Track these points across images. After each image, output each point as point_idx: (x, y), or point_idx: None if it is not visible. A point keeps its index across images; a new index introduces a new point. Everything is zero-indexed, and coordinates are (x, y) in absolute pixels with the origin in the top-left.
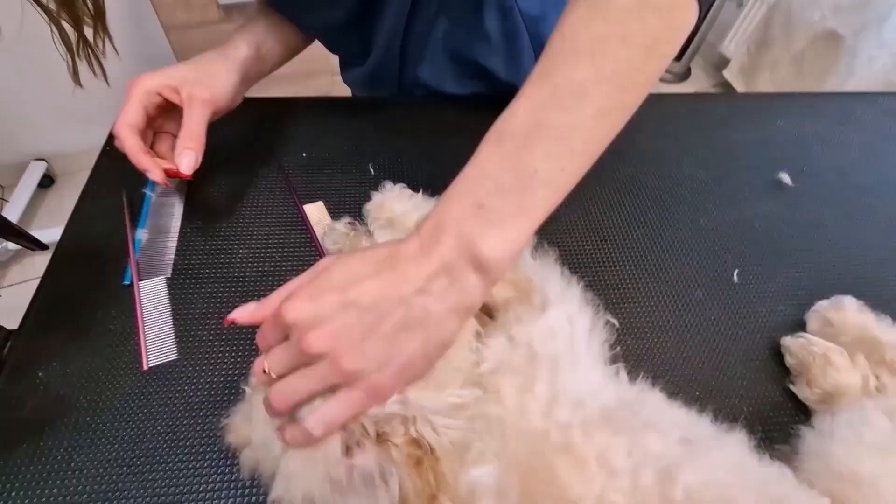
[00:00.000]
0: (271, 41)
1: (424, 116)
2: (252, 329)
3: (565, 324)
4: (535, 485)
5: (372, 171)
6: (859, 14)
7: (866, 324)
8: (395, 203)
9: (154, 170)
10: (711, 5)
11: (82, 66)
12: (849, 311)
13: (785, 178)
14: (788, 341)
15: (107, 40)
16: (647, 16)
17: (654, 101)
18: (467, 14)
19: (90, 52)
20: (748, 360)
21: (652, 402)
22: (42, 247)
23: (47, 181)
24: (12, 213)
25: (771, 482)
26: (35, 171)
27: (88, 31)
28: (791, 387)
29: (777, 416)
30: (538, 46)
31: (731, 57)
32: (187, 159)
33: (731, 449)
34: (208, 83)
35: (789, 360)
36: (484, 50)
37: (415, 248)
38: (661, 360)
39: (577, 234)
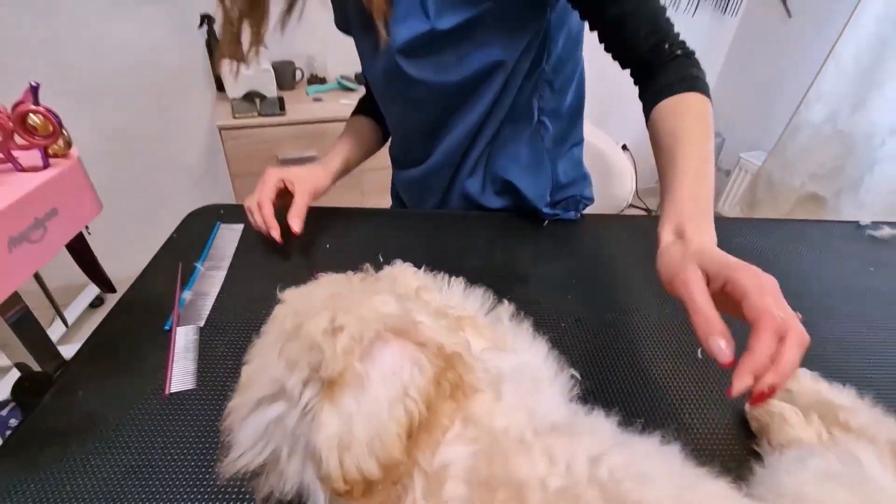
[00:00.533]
0: (356, 154)
1: (429, 223)
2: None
3: (532, 363)
4: (494, 467)
5: (381, 259)
6: (835, 179)
7: (820, 389)
8: (404, 276)
9: (276, 230)
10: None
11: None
12: (804, 380)
13: None
14: (747, 406)
15: None
16: (699, 105)
17: (638, 222)
18: (510, 143)
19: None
20: (714, 426)
21: (599, 422)
22: (111, 290)
23: (97, 301)
24: (58, 330)
25: (687, 471)
26: (89, 293)
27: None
28: (756, 447)
29: (740, 471)
30: (555, 173)
31: (727, 216)
32: (297, 224)
33: (655, 445)
34: (312, 181)
35: (752, 424)
36: (518, 172)
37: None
38: (627, 423)
39: (554, 315)
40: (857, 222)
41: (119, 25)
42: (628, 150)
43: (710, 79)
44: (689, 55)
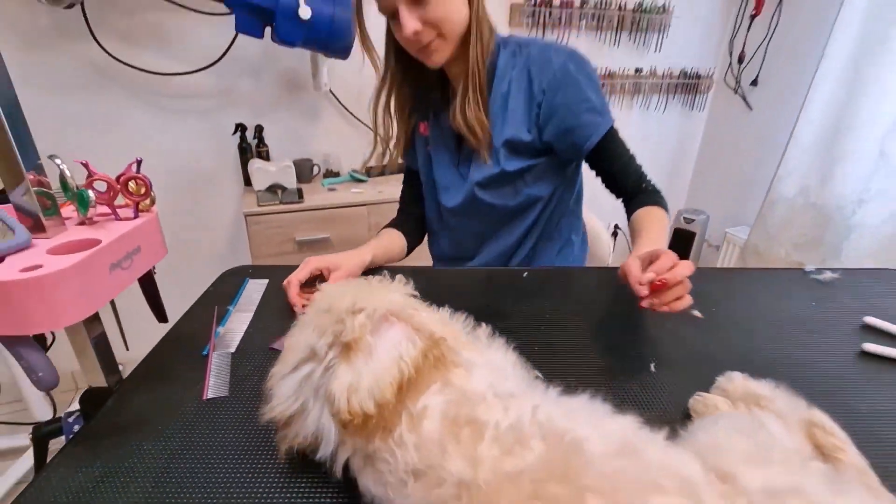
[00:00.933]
0: (382, 256)
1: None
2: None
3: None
4: (461, 411)
5: None
6: (816, 248)
7: (748, 384)
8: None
9: (298, 307)
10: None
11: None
12: (737, 380)
13: (696, 312)
14: (689, 401)
15: None
16: (659, 212)
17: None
18: (545, 255)
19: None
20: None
21: (546, 390)
22: (164, 320)
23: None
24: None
25: (607, 413)
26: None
27: None
28: None
29: None
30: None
31: None
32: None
33: (585, 400)
34: (346, 268)
35: (693, 416)
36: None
37: None
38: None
39: (527, 331)
40: (803, 269)
41: (169, 136)
42: (620, 229)
43: (688, 164)
44: (654, 189)
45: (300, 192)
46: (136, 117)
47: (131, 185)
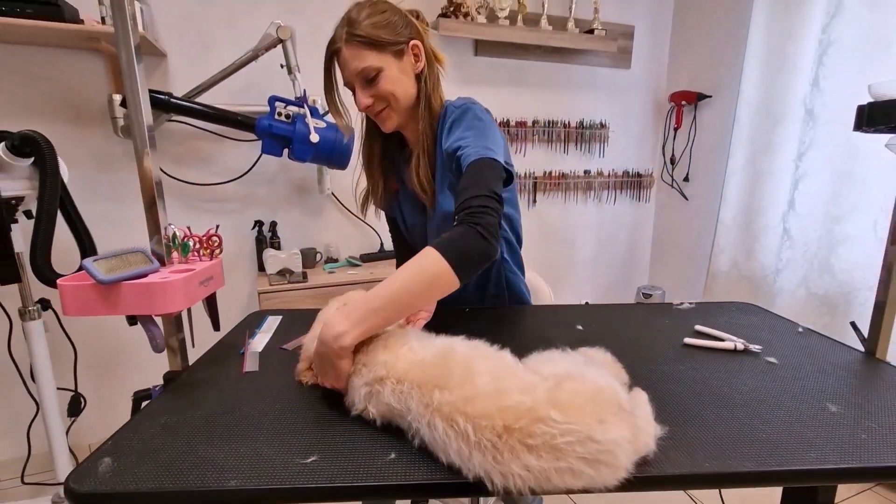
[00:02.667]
0: None
1: None
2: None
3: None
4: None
5: None
6: None
7: (586, 349)
8: None
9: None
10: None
11: None
12: (585, 348)
13: (579, 326)
14: None
15: None
16: (437, 272)
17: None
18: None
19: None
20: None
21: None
22: (217, 329)
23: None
24: None
25: (482, 343)
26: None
27: None
28: None
29: None
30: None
31: None
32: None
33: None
34: None
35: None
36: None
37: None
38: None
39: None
40: (671, 303)
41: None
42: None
43: (646, 247)
44: (462, 220)
45: (305, 275)
46: (179, 216)
47: (213, 240)
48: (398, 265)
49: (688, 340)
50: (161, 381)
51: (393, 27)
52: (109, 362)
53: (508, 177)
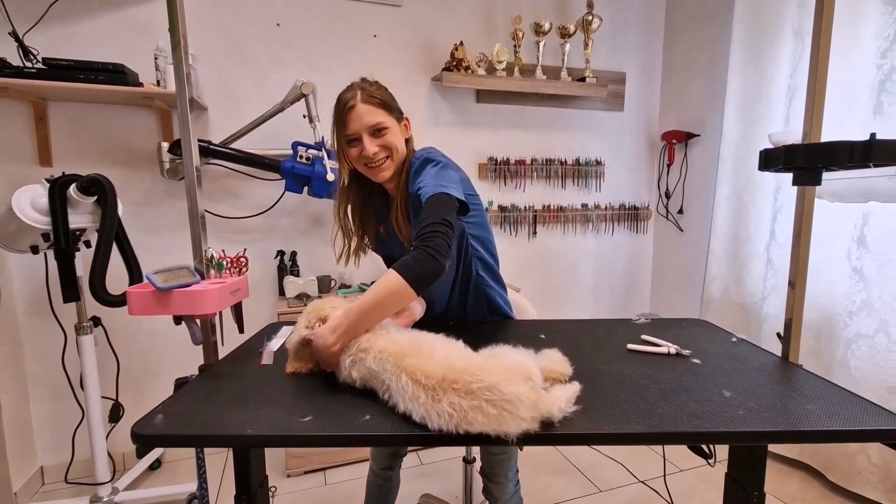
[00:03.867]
0: None
1: None
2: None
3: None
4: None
5: None
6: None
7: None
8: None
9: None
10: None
11: None
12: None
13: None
14: None
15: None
16: (389, 291)
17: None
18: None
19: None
20: None
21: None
22: (242, 332)
23: (156, 464)
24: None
25: (450, 339)
26: (152, 456)
27: None
28: None
29: None
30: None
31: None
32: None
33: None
34: None
35: None
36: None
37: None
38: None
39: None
40: (630, 319)
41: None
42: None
43: (646, 276)
44: (423, 246)
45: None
46: (212, 245)
47: (241, 260)
48: None
49: (630, 346)
50: (196, 373)
51: (393, 100)
52: (145, 375)
53: (463, 206)
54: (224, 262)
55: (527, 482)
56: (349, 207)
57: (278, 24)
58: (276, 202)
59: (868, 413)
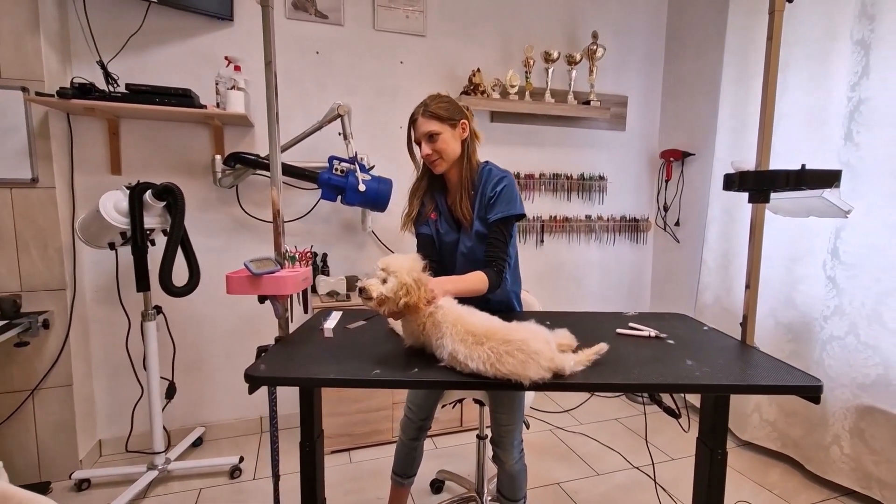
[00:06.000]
0: None
1: None
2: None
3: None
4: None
5: None
6: None
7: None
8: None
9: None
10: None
11: None
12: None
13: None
14: None
15: None
16: (475, 284)
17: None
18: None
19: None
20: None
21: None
22: (306, 311)
23: (199, 441)
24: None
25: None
26: (195, 434)
27: None
28: None
29: None
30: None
31: None
32: None
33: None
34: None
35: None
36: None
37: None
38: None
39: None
40: (622, 312)
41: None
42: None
43: (646, 284)
44: (496, 269)
45: (348, 296)
46: (252, 247)
47: (307, 255)
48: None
49: (619, 330)
50: (273, 343)
51: (450, 111)
52: (195, 360)
53: (519, 216)
54: (296, 256)
55: (532, 465)
56: (416, 189)
57: (317, 52)
58: (311, 209)
59: (794, 377)
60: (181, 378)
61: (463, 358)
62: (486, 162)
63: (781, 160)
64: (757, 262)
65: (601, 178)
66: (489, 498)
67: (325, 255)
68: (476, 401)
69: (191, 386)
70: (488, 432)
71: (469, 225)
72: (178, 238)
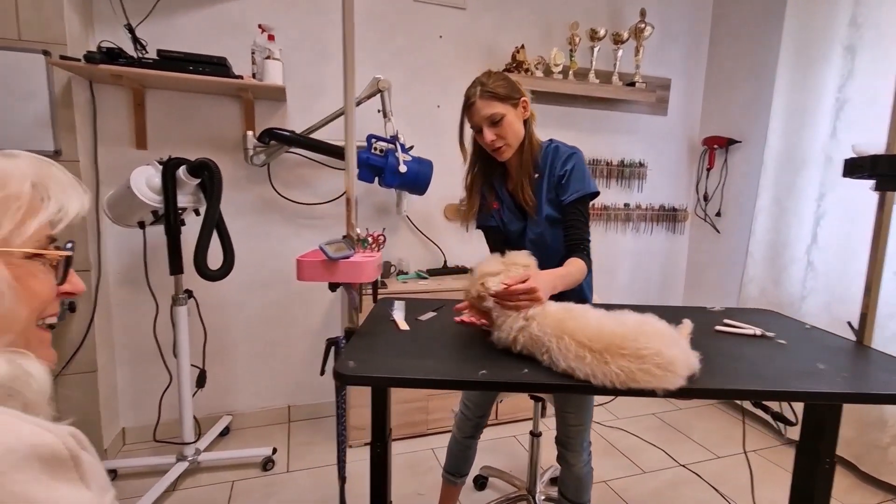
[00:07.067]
0: None
1: None
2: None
3: None
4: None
5: None
6: None
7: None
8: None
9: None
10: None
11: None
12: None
13: None
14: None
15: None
16: (577, 274)
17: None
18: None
19: None
20: None
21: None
22: (375, 301)
23: (226, 431)
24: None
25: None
26: (222, 423)
27: None
28: None
29: None
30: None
31: None
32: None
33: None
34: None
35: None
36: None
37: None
38: None
39: None
40: (705, 307)
41: (299, 241)
42: None
43: (680, 275)
44: (585, 251)
45: (384, 283)
46: (280, 230)
47: (380, 238)
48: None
49: (717, 328)
50: (341, 334)
51: (509, 88)
52: (223, 347)
53: (594, 194)
54: (369, 240)
55: None
56: (472, 181)
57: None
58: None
59: None
60: (207, 365)
61: (583, 376)
62: (551, 140)
63: (845, 148)
64: (881, 258)
65: (641, 164)
66: (542, 498)
67: None
68: (533, 397)
69: (216, 373)
70: (543, 429)
71: (535, 211)
72: (215, 218)
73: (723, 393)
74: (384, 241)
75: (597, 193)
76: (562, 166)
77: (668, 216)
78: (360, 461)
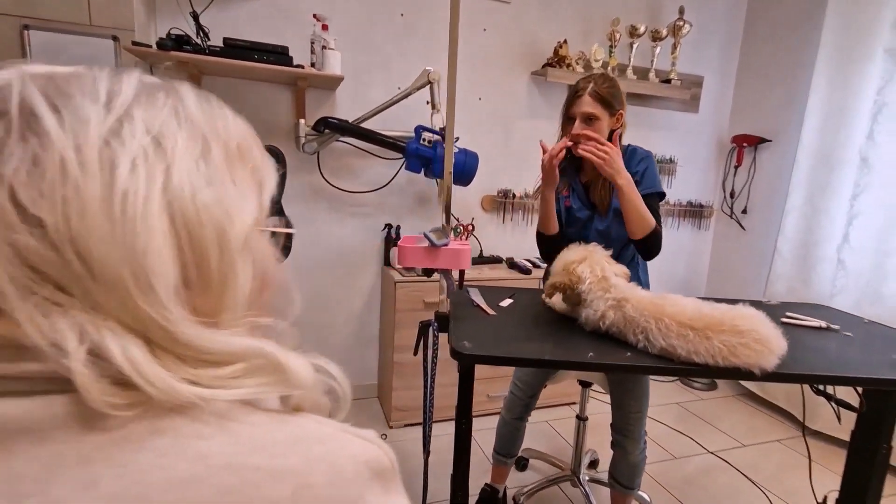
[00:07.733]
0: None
1: None
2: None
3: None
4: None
5: None
6: None
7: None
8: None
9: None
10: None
11: None
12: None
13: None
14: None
15: None
16: (645, 212)
17: None
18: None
19: None
20: None
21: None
22: (461, 287)
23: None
24: None
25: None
26: None
27: None
28: None
29: None
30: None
31: None
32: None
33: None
34: None
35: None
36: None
37: None
38: None
39: None
40: (762, 300)
41: (343, 228)
42: None
43: (703, 270)
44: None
45: (431, 271)
46: (327, 217)
47: (470, 227)
48: (542, 252)
49: (784, 319)
50: (432, 318)
51: (615, 98)
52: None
53: (662, 195)
54: (460, 228)
55: (602, 448)
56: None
57: (402, 14)
58: (391, 180)
59: None
60: None
61: (685, 353)
62: (629, 144)
63: (882, 150)
64: None
65: (671, 160)
66: (587, 479)
67: (398, 228)
68: (581, 382)
69: None
70: (590, 413)
71: (605, 210)
72: (279, 205)
73: (819, 379)
74: (473, 229)
75: (664, 195)
76: (636, 166)
77: (695, 212)
78: (404, 441)
